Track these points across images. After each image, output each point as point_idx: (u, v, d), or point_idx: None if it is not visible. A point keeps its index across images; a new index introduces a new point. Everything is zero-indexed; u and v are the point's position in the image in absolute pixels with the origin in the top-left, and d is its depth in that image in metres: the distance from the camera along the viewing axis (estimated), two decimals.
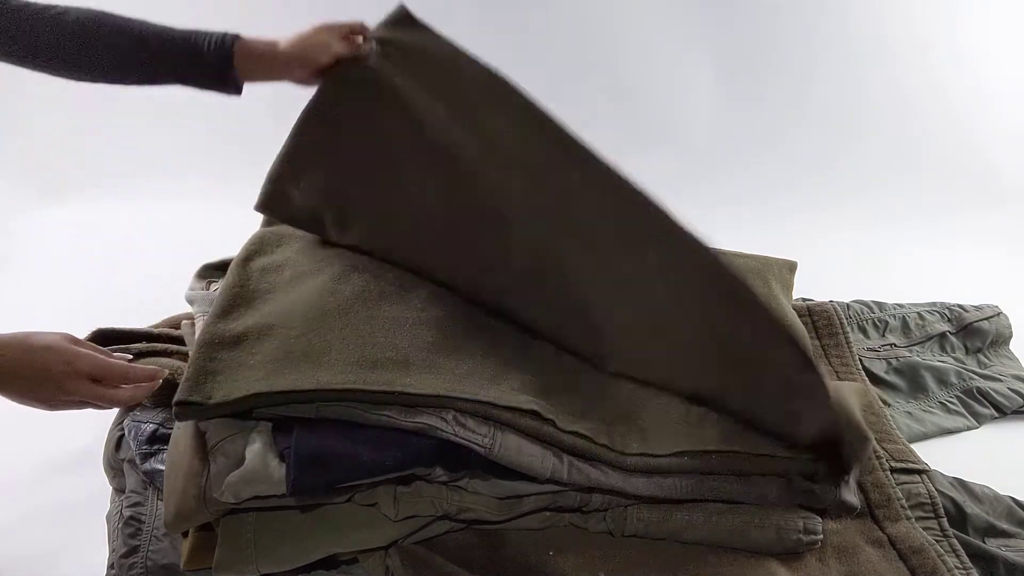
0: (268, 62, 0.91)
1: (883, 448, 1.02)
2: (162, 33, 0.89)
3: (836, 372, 1.18)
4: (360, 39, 0.97)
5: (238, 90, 0.92)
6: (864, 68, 1.94)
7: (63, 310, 1.40)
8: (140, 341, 1.07)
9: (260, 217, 1.23)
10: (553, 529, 0.90)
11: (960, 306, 1.34)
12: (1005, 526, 0.96)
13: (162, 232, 1.29)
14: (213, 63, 0.88)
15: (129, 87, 0.92)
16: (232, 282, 0.97)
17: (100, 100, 1.36)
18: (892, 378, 1.21)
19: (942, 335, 1.29)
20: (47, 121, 1.81)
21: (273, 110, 1.88)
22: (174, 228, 1.25)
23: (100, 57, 0.88)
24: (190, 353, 0.99)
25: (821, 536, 0.90)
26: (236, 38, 0.90)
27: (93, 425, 1.07)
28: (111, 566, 0.89)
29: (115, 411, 1.06)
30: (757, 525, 0.88)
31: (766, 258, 1.20)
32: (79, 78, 0.90)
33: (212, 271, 1.16)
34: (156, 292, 1.23)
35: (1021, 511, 0.98)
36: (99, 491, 0.99)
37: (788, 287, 1.19)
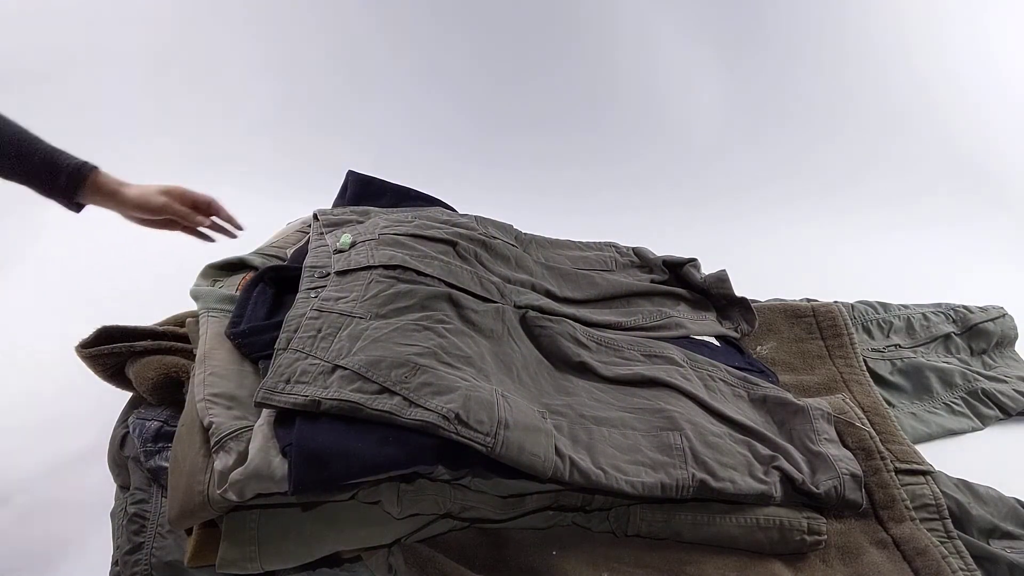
0: (112, 198, 1.04)
1: (887, 449, 1.02)
2: (28, 143, 0.99)
3: (840, 373, 1.18)
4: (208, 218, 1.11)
5: (79, 209, 1.04)
6: (875, 70, 1.94)
7: (65, 309, 1.40)
8: (144, 339, 1.07)
9: (264, 214, 1.23)
10: (556, 528, 0.90)
11: (965, 307, 1.33)
12: (1009, 527, 0.96)
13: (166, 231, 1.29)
14: (63, 185, 1.00)
15: None
16: None
17: (101, 99, 1.36)
18: (897, 379, 1.20)
19: (947, 336, 1.29)
20: (47, 121, 1.81)
21: (280, 112, 1.89)
22: None
23: None
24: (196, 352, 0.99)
25: (825, 537, 0.90)
26: (93, 169, 1.01)
27: (98, 422, 1.08)
28: (115, 563, 0.89)
29: (119, 408, 1.06)
30: (761, 525, 0.89)
31: None
32: None
33: (217, 271, 1.16)
34: (159, 290, 1.23)
35: None
36: (103, 488, 1.00)
37: None
